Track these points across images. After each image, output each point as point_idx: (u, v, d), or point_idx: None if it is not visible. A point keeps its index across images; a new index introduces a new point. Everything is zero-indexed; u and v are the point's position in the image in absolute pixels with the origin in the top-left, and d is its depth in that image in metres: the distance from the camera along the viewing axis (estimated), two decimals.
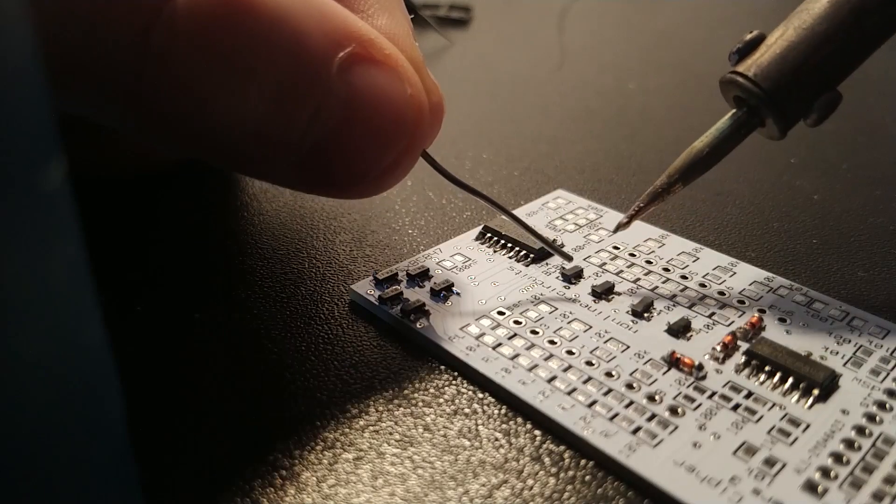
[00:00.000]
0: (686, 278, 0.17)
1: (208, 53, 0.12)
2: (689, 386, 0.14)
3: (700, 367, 0.14)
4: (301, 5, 0.12)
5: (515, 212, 0.20)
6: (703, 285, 0.17)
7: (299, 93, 0.13)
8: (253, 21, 0.12)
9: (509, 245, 0.18)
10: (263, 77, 0.12)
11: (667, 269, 0.17)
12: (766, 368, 0.14)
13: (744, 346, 0.15)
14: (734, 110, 0.16)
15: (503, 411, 0.14)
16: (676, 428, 0.13)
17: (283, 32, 0.12)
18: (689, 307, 0.16)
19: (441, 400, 0.14)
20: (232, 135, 0.13)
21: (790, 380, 0.14)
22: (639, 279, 0.17)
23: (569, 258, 0.17)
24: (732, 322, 0.16)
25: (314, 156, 0.13)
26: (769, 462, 0.12)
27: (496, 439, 0.13)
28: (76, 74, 0.12)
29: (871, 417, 0.13)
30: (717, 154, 0.16)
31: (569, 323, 0.16)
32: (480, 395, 0.14)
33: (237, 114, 0.12)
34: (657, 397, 0.14)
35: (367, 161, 0.14)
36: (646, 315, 0.16)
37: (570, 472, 0.13)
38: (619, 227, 0.17)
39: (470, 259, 0.18)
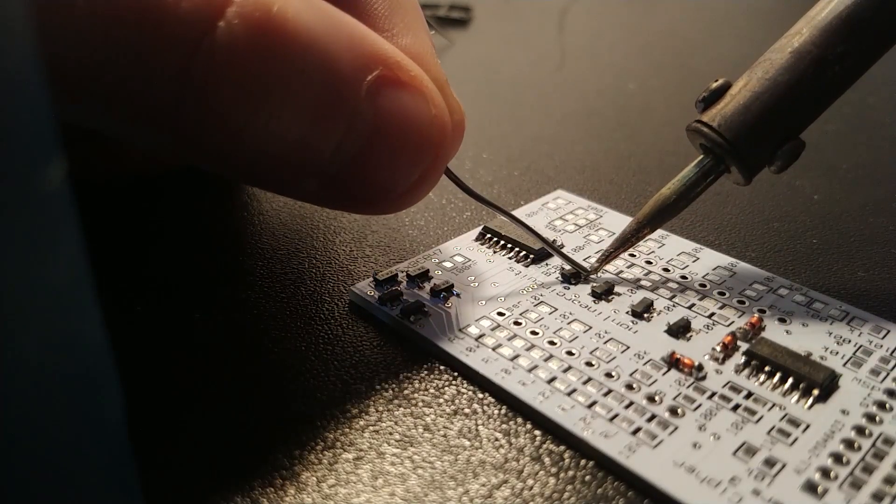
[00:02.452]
0: (686, 278, 0.17)
1: (245, 83, 0.12)
2: (688, 386, 0.14)
3: (700, 367, 0.14)
4: (331, 31, 0.13)
5: (515, 212, 0.20)
6: (702, 285, 0.17)
7: (329, 116, 0.13)
8: (287, 51, 0.12)
9: (509, 246, 0.18)
10: (296, 103, 0.13)
11: (667, 270, 0.17)
12: (766, 369, 0.14)
13: (744, 346, 0.15)
14: (700, 157, 0.17)
15: (503, 411, 0.14)
16: (676, 428, 0.13)
17: (315, 60, 0.12)
18: (689, 307, 0.16)
19: (441, 400, 0.14)
20: (263, 157, 0.13)
21: (790, 380, 0.14)
22: (639, 279, 0.17)
23: (586, 271, 0.17)
24: (732, 322, 0.16)
25: (341, 175, 0.14)
26: (769, 462, 0.12)
27: (496, 439, 0.13)
28: (117, 105, 0.12)
29: (870, 417, 0.13)
30: (683, 200, 0.17)
31: (569, 323, 0.16)
32: (480, 396, 0.14)
33: (269, 138, 0.13)
34: (657, 398, 0.14)
35: (392, 180, 0.14)
36: (646, 315, 0.16)
37: (570, 473, 0.13)
38: (591, 272, 0.17)
39: (470, 260, 0.18)
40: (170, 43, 0.12)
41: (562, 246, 0.18)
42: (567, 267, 0.17)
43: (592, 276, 0.17)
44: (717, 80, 0.16)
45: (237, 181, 0.15)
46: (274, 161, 0.13)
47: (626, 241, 0.17)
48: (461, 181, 0.16)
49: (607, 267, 0.17)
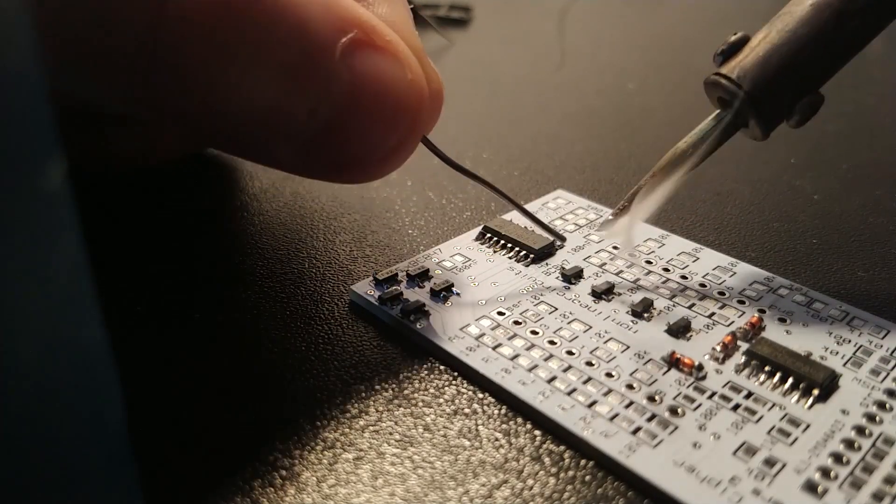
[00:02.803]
0: (686, 278, 0.17)
1: (216, 41, 0.12)
2: (689, 386, 0.14)
3: (700, 367, 0.14)
4: None
5: (515, 212, 0.20)
6: (703, 285, 0.17)
7: (303, 78, 0.13)
8: (258, 8, 0.12)
9: (509, 245, 0.18)
10: (269, 63, 0.12)
11: (667, 269, 0.17)
12: (766, 368, 0.14)
13: (744, 346, 0.15)
14: (718, 111, 0.17)
15: (503, 411, 0.14)
16: (676, 428, 0.13)
17: (289, 19, 0.12)
18: (689, 307, 0.16)
19: (441, 400, 0.14)
20: (238, 121, 0.13)
21: (790, 380, 0.14)
22: (639, 279, 0.17)
23: (562, 238, 0.17)
24: (732, 322, 0.16)
25: (317, 140, 0.13)
26: (769, 462, 0.12)
27: (496, 439, 0.13)
28: (86, 65, 0.12)
29: (871, 417, 0.13)
30: (701, 153, 0.16)
31: (569, 323, 0.16)
32: (480, 395, 0.14)
33: (243, 100, 0.13)
34: (657, 398, 0.14)
35: (369, 145, 0.14)
36: (646, 315, 0.16)
37: (570, 472, 0.13)
38: (606, 223, 0.17)
39: (470, 259, 0.18)
40: None
41: (563, 244, 0.18)
42: (567, 267, 0.17)
43: (605, 233, 0.17)
44: (735, 34, 0.16)
45: (215, 148, 0.15)
46: (248, 124, 0.13)
47: (640, 193, 0.17)
48: (439, 150, 0.16)
49: (607, 267, 0.17)
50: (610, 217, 0.17)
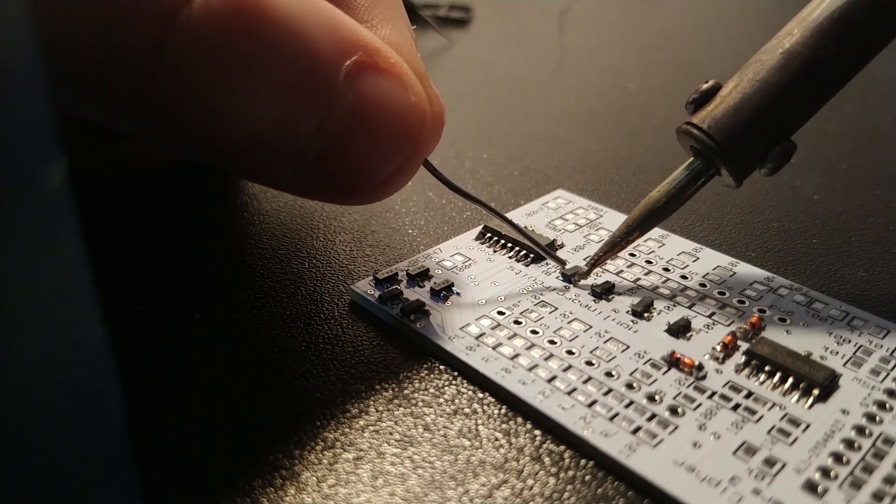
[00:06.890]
0: (686, 278, 0.17)
1: (221, 60, 0.12)
2: (689, 386, 0.14)
3: (700, 367, 0.14)
4: (310, 14, 0.13)
5: (515, 212, 0.20)
6: (703, 285, 0.17)
7: (307, 99, 0.13)
8: (264, 29, 0.12)
9: (509, 245, 0.18)
10: (273, 84, 0.12)
11: (667, 269, 0.17)
12: (766, 368, 0.14)
13: (744, 346, 0.15)
14: (691, 159, 0.17)
15: (503, 411, 0.14)
16: (676, 428, 0.13)
17: (293, 40, 0.12)
18: (689, 307, 0.16)
19: (441, 400, 0.14)
20: (241, 141, 0.13)
21: (790, 380, 0.14)
22: (639, 279, 0.17)
23: (562, 262, 0.17)
24: (732, 322, 0.16)
25: (320, 162, 0.13)
26: (769, 462, 0.12)
27: (496, 439, 0.13)
28: (90, 80, 0.12)
29: (871, 417, 0.13)
30: (673, 203, 0.17)
31: (569, 323, 0.16)
32: (480, 395, 0.14)
33: (247, 120, 0.13)
34: (657, 397, 0.14)
35: (370, 167, 0.14)
36: (646, 315, 0.16)
37: (570, 472, 0.13)
38: (580, 276, 0.17)
39: (470, 259, 0.18)
40: (143, 16, 0.12)
41: (562, 245, 0.18)
42: (567, 267, 0.17)
43: (581, 282, 0.17)
44: (707, 82, 0.16)
45: (218, 167, 0.15)
46: (251, 144, 0.13)
47: (615, 245, 0.17)
48: (440, 173, 0.16)
49: (607, 267, 0.17)
50: (585, 269, 0.17)
